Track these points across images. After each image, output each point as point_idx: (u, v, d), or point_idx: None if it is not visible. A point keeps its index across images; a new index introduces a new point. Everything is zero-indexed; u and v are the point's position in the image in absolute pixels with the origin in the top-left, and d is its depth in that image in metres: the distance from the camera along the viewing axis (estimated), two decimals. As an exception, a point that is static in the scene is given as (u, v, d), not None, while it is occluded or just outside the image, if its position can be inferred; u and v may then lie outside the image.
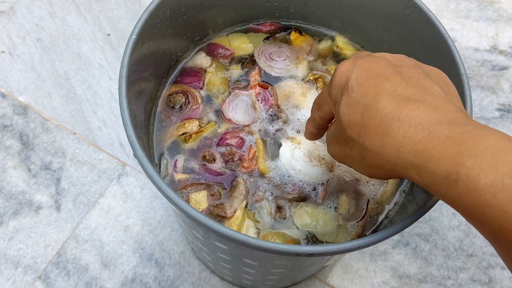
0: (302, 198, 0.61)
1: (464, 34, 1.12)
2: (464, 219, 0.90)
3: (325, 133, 0.53)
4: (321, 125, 0.52)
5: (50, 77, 1.03)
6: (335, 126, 0.45)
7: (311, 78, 0.69)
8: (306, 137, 0.56)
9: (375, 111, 0.39)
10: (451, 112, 0.37)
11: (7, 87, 1.01)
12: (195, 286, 0.85)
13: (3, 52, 1.05)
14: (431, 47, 0.60)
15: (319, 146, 0.63)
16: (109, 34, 1.08)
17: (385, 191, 0.62)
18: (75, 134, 0.97)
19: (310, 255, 0.46)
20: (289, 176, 0.62)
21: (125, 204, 0.91)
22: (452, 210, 0.92)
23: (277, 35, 0.73)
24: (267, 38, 0.72)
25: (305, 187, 0.61)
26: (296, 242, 0.59)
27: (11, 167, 0.94)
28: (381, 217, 0.61)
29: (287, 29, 0.73)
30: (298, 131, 0.65)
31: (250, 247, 0.46)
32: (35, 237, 0.88)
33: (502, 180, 0.32)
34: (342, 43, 0.72)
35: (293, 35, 0.72)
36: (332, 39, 0.73)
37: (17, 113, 0.99)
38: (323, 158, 0.63)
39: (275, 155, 0.63)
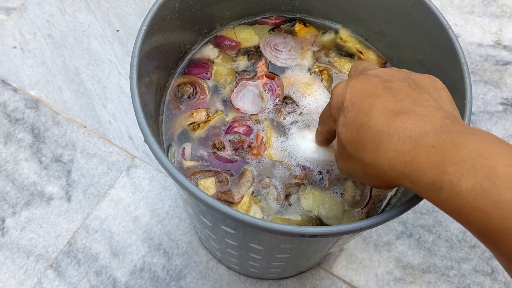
0: (310, 181, 0.62)
1: (468, 29, 1.13)
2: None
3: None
4: (328, 136, 0.58)
5: (61, 72, 1.05)
6: (338, 143, 0.49)
7: (316, 70, 0.70)
8: (317, 144, 0.62)
9: (368, 128, 0.42)
10: (438, 120, 0.40)
11: (19, 82, 1.04)
12: (202, 275, 0.87)
13: (14, 47, 1.08)
14: (432, 38, 0.62)
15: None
16: (118, 30, 1.10)
17: None
18: (85, 127, 0.99)
19: (314, 236, 0.47)
20: (297, 158, 0.64)
21: (134, 195, 0.93)
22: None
23: (282, 26, 0.75)
24: (272, 30, 0.74)
25: (312, 169, 0.63)
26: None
27: (23, 159, 0.96)
28: (384, 203, 0.63)
29: (292, 20, 0.75)
30: (306, 118, 0.66)
31: (256, 228, 0.48)
32: (47, 227, 0.90)
33: (481, 184, 0.34)
34: (345, 35, 0.74)
35: (298, 26, 0.74)
36: (336, 31, 0.74)
37: (29, 107, 1.01)
38: None
39: (284, 137, 0.65)
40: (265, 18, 0.75)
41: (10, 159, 0.96)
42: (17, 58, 1.06)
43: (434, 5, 0.61)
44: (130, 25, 1.11)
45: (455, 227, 0.92)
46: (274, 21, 0.75)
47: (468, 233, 0.91)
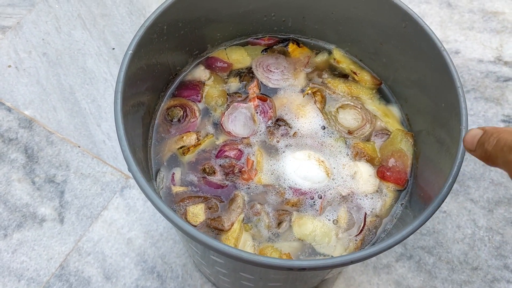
0: (302, 207, 0.61)
1: (468, 45, 1.11)
2: (469, 232, 0.89)
3: None
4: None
5: (56, 91, 1.04)
6: None
7: (309, 92, 0.69)
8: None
9: None
10: None
11: (13, 101, 1.03)
12: (197, 299, 0.85)
13: (9, 66, 1.07)
14: (427, 60, 0.60)
15: (319, 152, 0.64)
16: (113, 48, 1.09)
17: (384, 204, 0.62)
18: (79, 147, 0.98)
19: (302, 269, 0.46)
20: (289, 180, 0.62)
21: (128, 216, 0.91)
22: (456, 222, 0.92)
23: (275, 47, 0.73)
24: (265, 50, 0.73)
25: (304, 192, 0.61)
26: (290, 258, 0.59)
27: (16, 180, 0.94)
28: (379, 231, 0.61)
29: (285, 40, 0.74)
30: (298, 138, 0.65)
31: (242, 261, 0.46)
32: (39, 250, 0.89)
33: None
34: (339, 56, 0.72)
35: (291, 47, 0.73)
36: (329, 52, 0.73)
37: (23, 126, 1.00)
38: (322, 161, 0.63)
39: (274, 159, 0.64)
40: (257, 38, 0.74)
41: (3, 180, 0.94)
42: (11, 77, 1.05)
43: (428, 26, 0.59)
44: (126, 43, 1.10)
45: (457, 249, 0.90)
46: (266, 42, 0.74)
47: (470, 254, 0.89)
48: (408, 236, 0.48)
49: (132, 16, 1.13)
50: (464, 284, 0.87)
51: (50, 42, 1.10)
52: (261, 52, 0.73)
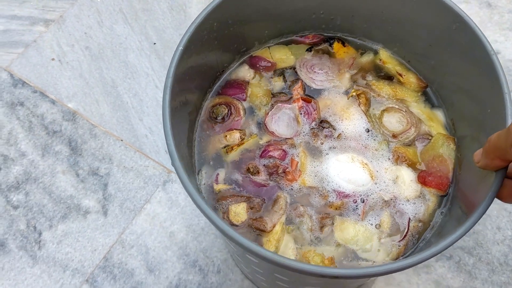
0: (345, 211, 0.61)
1: (508, 46, 1.10)
2: (509, 233, 0.89)
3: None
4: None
5: (98, 85, 1.06)
6: None
7: (354, 94, 0.69)
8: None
9: None
10: None
11: (57, 94, 1.04)
12: (237, 293, 0.86)
13: (53, 59, 1.08)
14: (476, 63, 0.60)
15: (362, 155, 0.64)
16: (155, 43, 1.10)
17: (427, 208, 0.62)
18: (122, 140, 0.99)
19: (335, 277, 0.46)
20: (333, 183, 0.62)
21: (170, 210, 0.93)
22: (496, 223, 0.91)
23: (320, 46, 0.73)
24: (309, 49, 0.73)
25: (348, 195, 0.62)
26: (332, 261, 0.59)
27: (60, 172, 0.96)
28: (423, 236, 0.61)
29: (330, 39, 0.73)
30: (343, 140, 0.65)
31: (274, 264, 0.46)
32: (83, 241, 0.91)
33: None
34: (385, 56, 0.72)
35: (336, 46, 0.73)
36: (376, 52, 0.73)
37: (66, 119, 1.02)
38: (366, 164, 0.64)
39: (318, 161, 0.64)
40: (302, 36, 0.74)
41: (48, 172, 0.96)
42: (55, 70, 1.07)
43: (479, 29, 0.59)
44: (167, 38, 1.11)
45: (497, 250, 0.90)
46: (311, 40, 0.74)
47: (510, 256, 0.89)
48: (451, 245, 0.48)
49: (172, 11, 1.14)
50: (504, 285, 0.87)
51: (92, 36, 1.11)
52: (306, 51, 0.73)
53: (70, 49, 1.10)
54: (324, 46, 0.74)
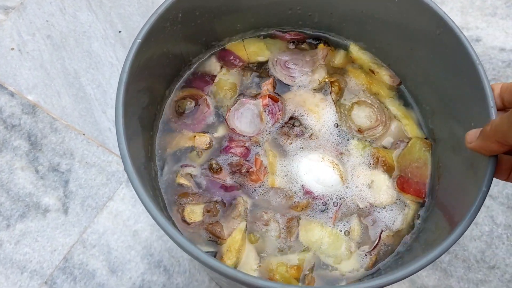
0: (311, 212, 0.57)
1: (490, 32, 1.07)
2: (486, 229, 0.86)
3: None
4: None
5: (60, 76, 1.00)
6: None
7: (327, 80, 0.65)
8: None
9: None
10: None
11: (16, 85, 0.99)
12: (204, 294, 0.83)
13: (12, 49, 1.03)
14: (459, 73, 0.56)
15: (334, 157, 0.61)
16: (120, 31, 1.05)
17: (406, 217, 0.59)
18: (84, 134, 0.95)
19: None
20: (302, 182, 0.59)
21: (134, 208, 0.89)
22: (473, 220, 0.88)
23: (302, 45, 0.69)
24: (292, 43, 0.69)
25: (316, 197, 0.58)
26: (299, 270, 0.55)
27: (19, 168, 0.92)
28: (398, 248, 0.58)
29: (315, 39, 0.69)
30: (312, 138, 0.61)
31: (238, 282, 0.43)
32: (42, 241, 0.86)
33: None
34: (359, 54, 0.68)
35: (321, 47, 0.69)
36: (349, 49, 0.69)
37: (26, 112, 0.97)
38: (336, 164, 0.60)
39: (288, 160, 0.60)
40: (284, 32, 0.69)
41: (5, 168, 0.92)
42: (14, 60, 1.02)
43: (464, 36, 0.54)
44: (133, 26, 1.06)
45: (473, 246, 0.87)
46: (292, 37, 0.69)
47: (487, 253, 0.86)
48: (424, 267, 0.46)
49: (139, -3, 1.09)
50: (480, 283, 0.84)
51: (54, 24, 1.06)
52: (288, 44, 0.69)
53: (30, 38, 1.04)
54: (307, 45, 0.69)
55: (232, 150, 0.61)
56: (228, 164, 0.60)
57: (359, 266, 0.56)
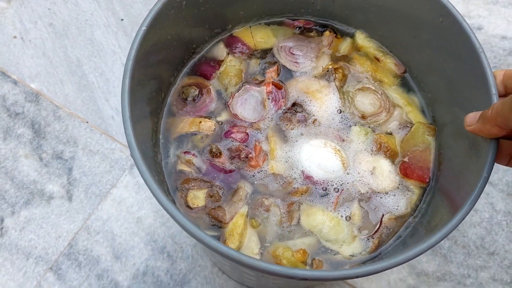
0: (310, 196, 0.58)
1: (492, 21, 1.07)
2: (486, 216, 0.87)
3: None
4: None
5: (62, 64, 1.01)
6: None
7: (330, 67, 0.66)
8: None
9: None
10: None
11: (19, 74, 1.00)
12: (207, 280, 0.84)
13: (15, 37, 1.03)
14: (462, 60, 0.56)
15: (336, 143, 0.61)
16: (122, 19, 1.05)
17: (410, 202, 0.59)
18: (87, 122, 0.95)
19: (304, 279, 0.44)
20: (302, 167, 0.59)
21: (137, 195, 0.89)
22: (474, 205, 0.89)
23: (311, 33, 0.70)
24: (299, 28, 0.69)
25: (316, 182, 0.59)
26: (305, 254, 0.56)
27: (23, 156, 0.92)
28: (401, 232, 0.58)
29: (322, 26, 0.70)
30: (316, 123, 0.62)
31: (240, 264, 0.44)
32: (47, 228, 0.87)
33: None
34: (365, 42, 0.68)
35: (327, 34, 0.69)
36: (355, 37, 0.69)
37: (29, 100, 0.97)
38: (338, 150, 0.60)
39: (289, 146, 0.61)
40: (293, 20, 0.70)
41: (10, 156, 0.92)
42: (17, 48, 1.02)
43: (467, 24, 0.54)
44: (135, 13, 1.06)
45: (473, 233, 0.88)
46: (299, 24, 0.70)
47: (487, 239, 0.87)
48: (425, 251, 0.46)
49: (141, -15, 1.09)
50: (480, 269, 0.85)
51: (56, 12, 1.06)
52: (294, 31, 0.69)
53: (33, 26, 1.05)
54: (314, 33, 0.70)
55: (232, 135, 0.61)
56: (228, 149, 0.61)
57: (362, 250, 0.57)
